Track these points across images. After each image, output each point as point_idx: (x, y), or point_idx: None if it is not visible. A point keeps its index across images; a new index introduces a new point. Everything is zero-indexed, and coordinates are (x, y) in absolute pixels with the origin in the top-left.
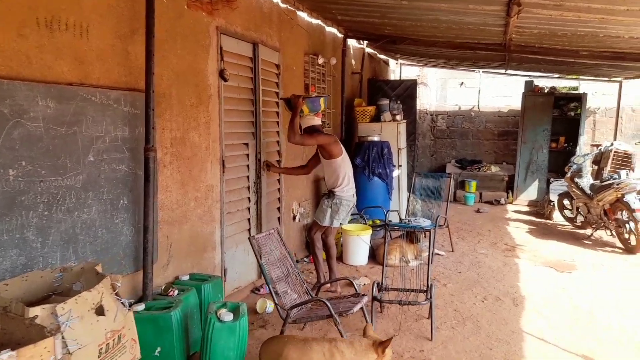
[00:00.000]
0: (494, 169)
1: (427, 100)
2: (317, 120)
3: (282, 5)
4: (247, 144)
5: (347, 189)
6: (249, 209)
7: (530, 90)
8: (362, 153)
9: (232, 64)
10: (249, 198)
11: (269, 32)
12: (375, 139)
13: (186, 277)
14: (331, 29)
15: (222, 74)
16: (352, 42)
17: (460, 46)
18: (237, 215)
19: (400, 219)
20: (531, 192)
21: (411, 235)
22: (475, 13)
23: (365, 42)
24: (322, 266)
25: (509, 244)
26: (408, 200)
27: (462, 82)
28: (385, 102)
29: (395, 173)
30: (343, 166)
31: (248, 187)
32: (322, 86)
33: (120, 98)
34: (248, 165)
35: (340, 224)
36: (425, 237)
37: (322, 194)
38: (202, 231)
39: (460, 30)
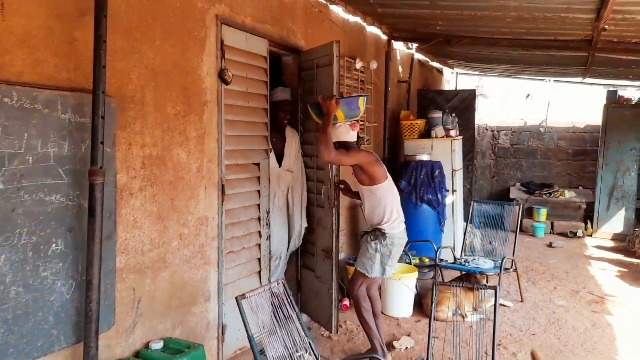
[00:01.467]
0: (569, 194)
1: (487, 113)
2: (352, 135)
3: None
4: (257, 165)
5: (397, 224)
6: (259, 246)
7: (614, 102)
8: (408, 175)
9: (238, 64)
10: (259, 232)
11: (290, 28)
12: (425, 158)
13: (158, 345)
14: (373, 29)
15: (221, 75)
16: (399, 46)
17: (531, 45)
18: (243, 254)
19: (455, 258)
20: (616, 223)
21: (469, 279)
22: None
23: (415, 45)
24: (376, 332)
25: (595, 293)
26: (465, 233)
27: (529, 94)
28: (438, 114)
29: (449, 199)
30: (390, 194)
31: (259, 219)
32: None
33: (56, 100)
34: (259, 191)
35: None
36: (487, 282)
37: (362, 233)
38: (190, 278)
39: (533, 22)
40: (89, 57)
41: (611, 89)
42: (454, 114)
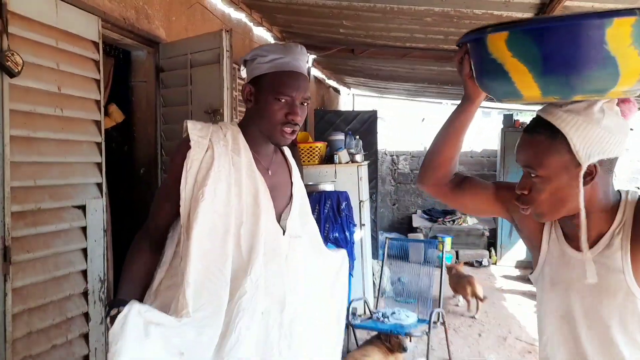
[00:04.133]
0: (471, 220)
1: (385, 138)
2: None
3: None
4: (82, 208)
5: None
6: (86, 336)
7: (511, 126)
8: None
9: (41, 46)
10: (86, 314)
11: (142, 9)
12: (329, 187)
13: None
14: (262, 32)
15: (2, 61)
16: None
17: (445, 57)
18: (55, 356)
19: (371, 313)
20: (518, 250)
21: (389, 339)
22: None
23: (311, 57)
24: None
25: (523, 339)
26: (373, 273)
27: (424, 118)
28: (340, 137)
29: (357, 236)
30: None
31: (85, 293)
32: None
33: None
34: (85, 249)
35: None
36: (410, 341)
37: None
38: None
39: (458, 23)
40: None
41: (507, 112)
42: (357, 137)
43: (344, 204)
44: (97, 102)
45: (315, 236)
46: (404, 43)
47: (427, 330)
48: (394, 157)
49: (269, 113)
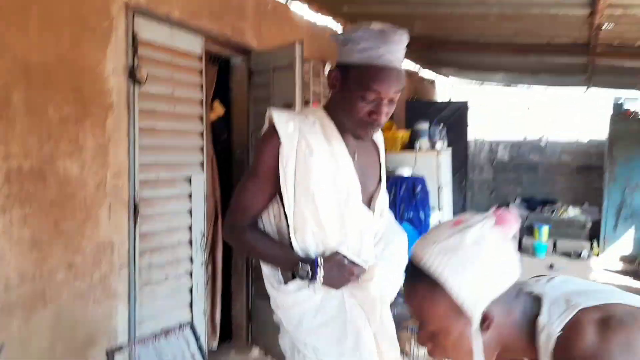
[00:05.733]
0: (573, 211)
1: (484, 126)
2: None
3: None
4: (189, 180)
5: None
6: (190, 273)
7: (621, 114)
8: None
9: (160, 63)
10: (191, 258)
11: (237, 25)
12: (406, 173)
13: None
14: None
15: (133, 74)
16: None
17: (523, 49)
18: (167, 285)
19: None
20: (624, 244)
21: None
22: None
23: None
24: None
25: None
26: None
27: (529, 107)
28: (424, 126)
29: (435, 218)
30: None
31: (190, 242)
32: None
33: None
34: (190, 210)
35: None
36: None
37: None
38: (86, 316)
39: (519, 21)
40: None
41: (619, 100)
42: (444, 127)
43: (419, 187)
44: (201, 101)
45: (387, 211)
46: (477, 39)
47: None
48: (493, 145)
49: (351, 108)
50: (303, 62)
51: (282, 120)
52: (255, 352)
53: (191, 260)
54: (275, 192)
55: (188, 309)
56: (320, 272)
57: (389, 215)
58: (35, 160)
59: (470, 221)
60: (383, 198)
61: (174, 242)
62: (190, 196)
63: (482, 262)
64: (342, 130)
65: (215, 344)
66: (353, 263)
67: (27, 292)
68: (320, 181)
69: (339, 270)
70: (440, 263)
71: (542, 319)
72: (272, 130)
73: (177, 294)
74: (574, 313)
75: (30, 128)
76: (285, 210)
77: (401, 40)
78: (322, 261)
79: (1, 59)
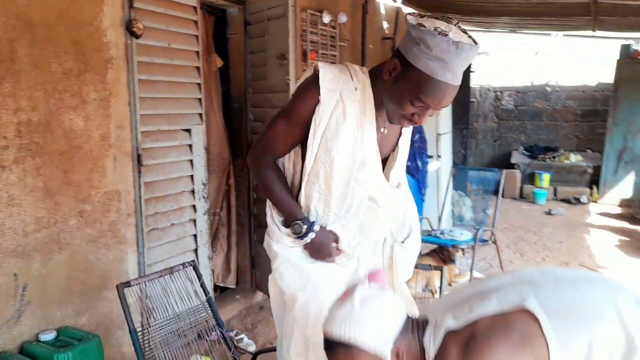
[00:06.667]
0: (574, 158)
1: (489, 73)
2: None
3: None
4: (188, 131)
5: None
6: (194, 221)
7: (628, 57)
8: None
9: (155, 14)
10: (194, 206)
11: None
12: None
13: (49, 336)
14: None
15: (130, 27)
16: None
17: None
18: (173, 231)
19: (431, 229)
20: (624, 188)
21: (442, 252)
22: None
23: None
24: None
25: (586, 265)
26: (452, 202)
27: (537, 52)
28: None
29: (432, 166)
30: None
31: (192, 191)
32: (331, 53)
33: None
34: (191, 160)
35: None
36: (463, 254)
37: None
38: (99, 260)
39: None
40: None
41: (625, 42)
42: None
43: (417, 135)
44: (197, 52)
45: (405, 182)
46: None
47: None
48: (498, 93)
49: (397, 103)
50: (297, 11)
51: (327, 78)
52: (259, 295)
53: (194, 208)
54: (302, 139)
55: (193, 255)
56: (310, 236)
57: (413, 206)
58: (43, 114)
59: (353, 290)
60: (400, 170)
61: (177, 191)
62: (190, 147)
63: (373, 313)
64: (379, 104)
65: (232, 282)
66: (339, 249)
67: (44, 237)
68: (344, 148)
69: (324, 247)
70: (345, 330)
71: (426, 345)
72: (316, 84)
73: (182, 240)
74: (442, 338)
75: (36, 82)
76: (305, 161)
77: (473, 55)
78: (317, 229)
79: (5, 16)
